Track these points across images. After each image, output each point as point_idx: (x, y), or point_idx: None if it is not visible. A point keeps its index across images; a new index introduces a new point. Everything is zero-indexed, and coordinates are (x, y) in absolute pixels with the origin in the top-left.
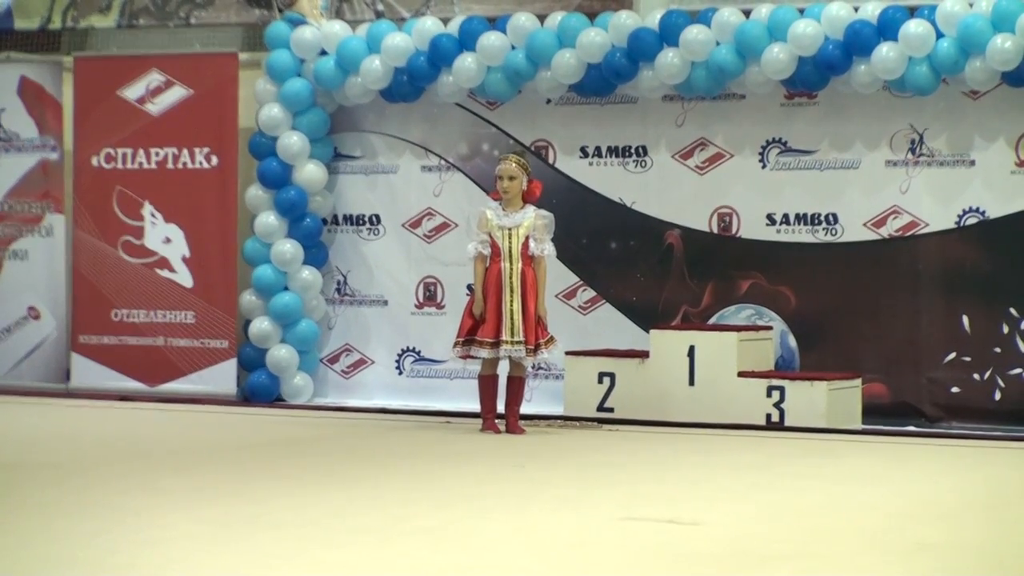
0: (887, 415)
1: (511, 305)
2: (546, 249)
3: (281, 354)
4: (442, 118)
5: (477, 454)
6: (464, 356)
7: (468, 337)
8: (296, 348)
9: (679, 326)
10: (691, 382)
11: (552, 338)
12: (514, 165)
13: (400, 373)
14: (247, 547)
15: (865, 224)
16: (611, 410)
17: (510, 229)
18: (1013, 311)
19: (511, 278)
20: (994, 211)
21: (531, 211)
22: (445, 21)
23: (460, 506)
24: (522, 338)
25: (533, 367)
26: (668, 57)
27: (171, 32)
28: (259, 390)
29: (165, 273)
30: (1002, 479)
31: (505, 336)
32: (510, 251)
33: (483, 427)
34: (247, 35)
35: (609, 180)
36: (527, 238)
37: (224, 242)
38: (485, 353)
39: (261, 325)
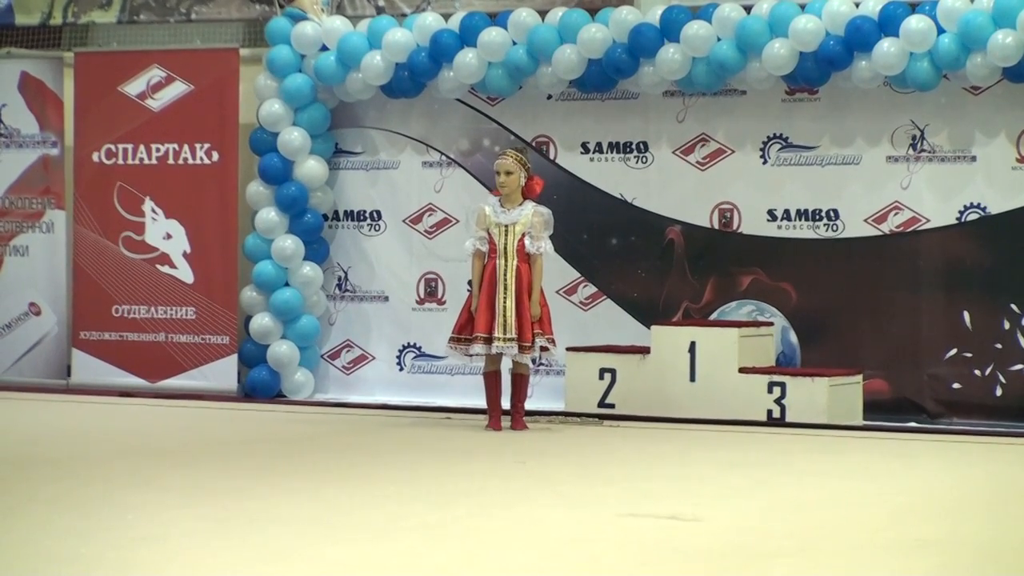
0: (888, 411)
1: (504, 303)
2: (542, 247)
3: (282, 350)
4: (443, 114)
5: (478, 450)
6: (466, 354)
7: (460, 335)
8: (297, 344)
9: (680, 322)
10: (692, 378)
11: (550, 337)
12: (511, 160)
13: (401, 369)
14: (247, 543)
15: (866, 220)
16: (612, 406)
17: (507, 226)
18: (1014, 307)
19: (505, 275)
20: (995, 207)
21: (529, 208)
22: (446, 17)
23: (461, 503)
24: (514, 335)
25: (534, 363)
26: (669, 53)
27: (172, 28)
28: (260, 386)
29: (166, 269)
30: (1003, 475)
31: (497, 332)
32: (505, 248)
33: (487, 425)
34: (248, 31)
35: (610, 176)
36: (524, 235)
37: (225, 238)
38: (479, 348)
39: (262, 321)
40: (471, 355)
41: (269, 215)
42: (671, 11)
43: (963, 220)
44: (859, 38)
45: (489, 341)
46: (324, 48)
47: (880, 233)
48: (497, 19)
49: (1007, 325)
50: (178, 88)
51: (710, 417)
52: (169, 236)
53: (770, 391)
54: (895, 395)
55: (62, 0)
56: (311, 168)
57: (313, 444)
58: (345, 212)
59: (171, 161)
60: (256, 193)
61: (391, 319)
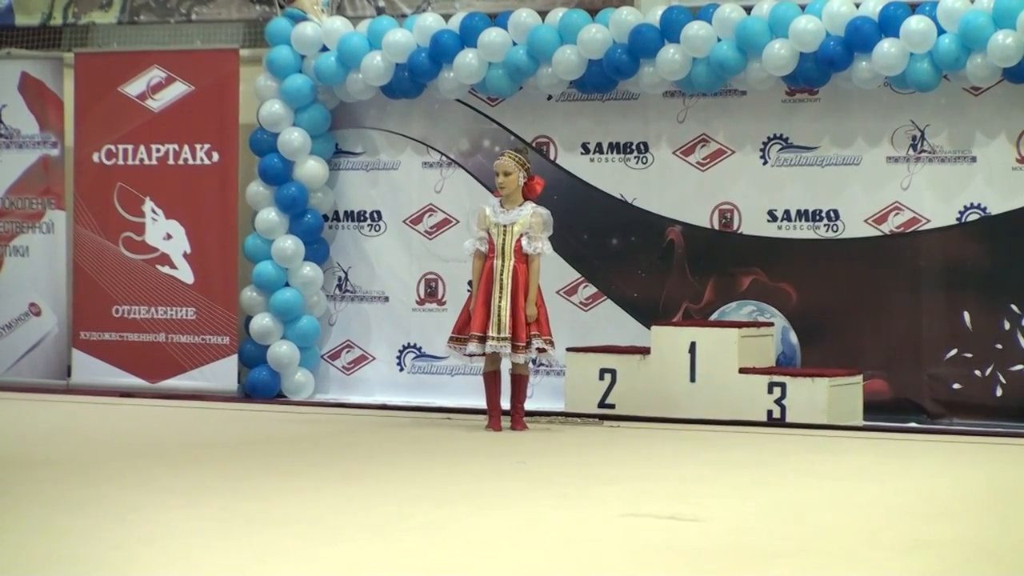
0: (888, 411)
1: (499, 302)
2: (539, 247)
3: (282, 350)
4: (443, 114)
5: (478, 451)
6: (464, 354)
7: (459, 335)
8: (297, 344)
9: (680, 322)
10: (692, 378)
11: (548, 339)
12: (509, 161)
13: (401, 369)
14: (247, 544)
15: (866, 220)
16: (612, 406)
17: (505, 226)
18: (1014, 307)
19: (501, 275)
20: (995, 207)
21: (529, 208)
22: (446, 17)
23: (461, 503)
24: (508, 335)
25: (534, 363)
26: (669, 53)
27: (172, 28)
28: (260, 386)
29: (166, 269)
30: (1003, 475)
31: (492, 332)
32: (503, 248)
33: (487, 425)
34: (248, 31)
35: (610, 176)
36: (522, 235)
37: (225, 238)
38: (473, 347)
39: (262, 321)
40: (468, 355)
41: (269, 215)
42: (671, 12)
43: (963, 220)
44: (859, 39)
45: (484, 340)
46: (324, 49)
47: (880, 233)
48: (497, 20)
49: (1007, 325)
50: (178, 89)
51: (710, 417)
52: (169, 236)
53: (770, 391)
54: (895, 395)
55: (62, 1)
56: (311, 168)
57: (313, 444)
58: (345, 212)
59: (171, 162)
60: (256, 193)
61: (391, 319)
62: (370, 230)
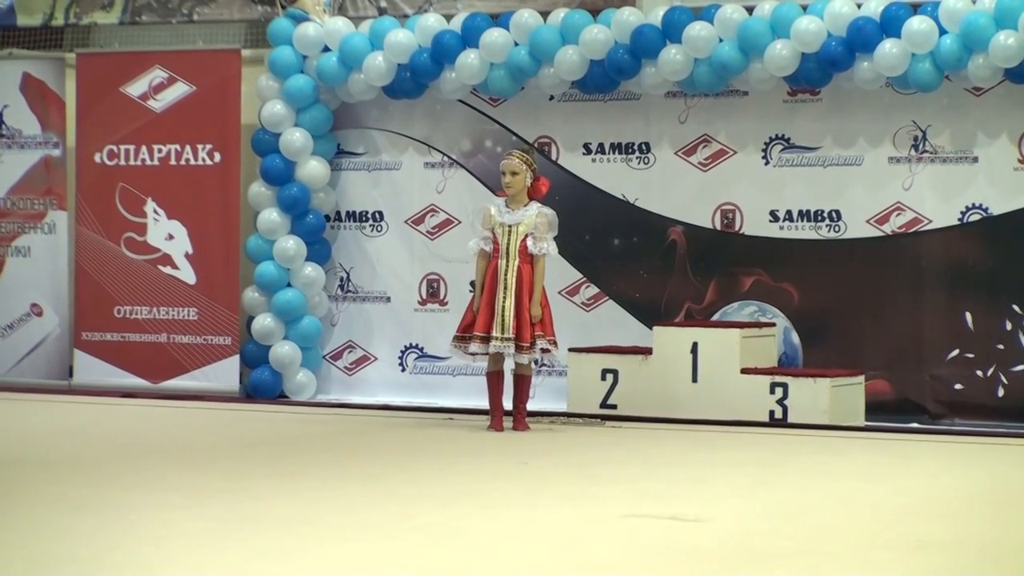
0: (890, 412)
1: (503, 303)
2: (544, 248)
3: (284, 351)
4: (445, 115)
5: (480, 451)
6: (466, 352)
7: (463, 334)
8: (299, 345)
9: (682, 323)
10: (694, 379)
11: (551, 339)
12: (517, 161)
13: (403, 370)
14: (249, 544)
15: (868, 221)
16: (614, 407)
17: (510, 226)
18: (1016, 308)
19: (506, 275)
20: (997, 208)
21: (534, 208)
22: (448, 18)
23: (463, 503)
24: (512, 335)
25: (537, 363)
26: (671, 53)
27: (174, 28)
28: (262, 387)
29: (168, 270)
30: (1005, 476)
31: (496, 332)
32: (508, 248)
33: (489, 425)
34: (250, 31)
35: (612, 177)
36: (527, 235)
37: (227, 239)
38: (476, 347)
39: (264, 322)
40: (470, 354)
41: (271, 216)
42: (673, 12)
43: (965, 221)
44: (861, 39)
45: (487, 340)
46: (326, 49)
47: (882, 234)
48: (499, 20)
49: (1009, 326)
50: (180, 89)
51: (712, 418)
52: (171, 237)
53: (772, 392)
54: (897, 396)
55: (64, 1)
56: (313, 169)
57: (315, 445)
58: (347, 213)
59: (173, 162)
60: (258, 194)
61: (393, 320)
62: (372, 230)
